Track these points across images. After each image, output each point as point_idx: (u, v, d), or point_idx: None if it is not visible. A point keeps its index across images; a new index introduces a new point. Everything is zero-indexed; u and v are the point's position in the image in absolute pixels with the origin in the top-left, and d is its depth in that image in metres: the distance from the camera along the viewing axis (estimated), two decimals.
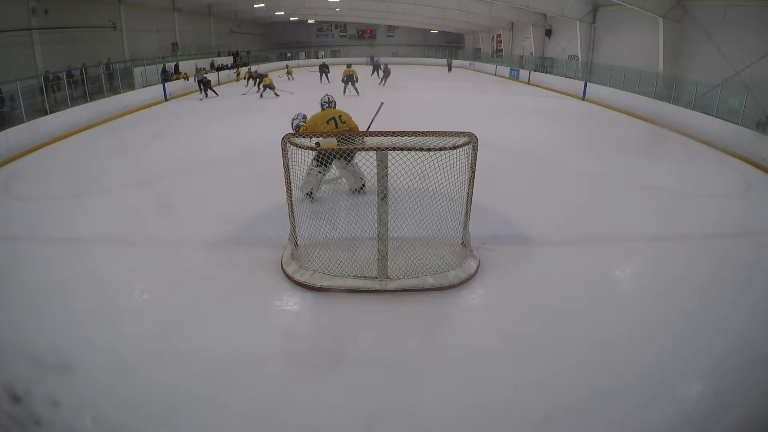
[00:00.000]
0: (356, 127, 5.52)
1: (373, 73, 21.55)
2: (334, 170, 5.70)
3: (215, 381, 2.86)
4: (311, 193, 5.37)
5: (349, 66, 16.23)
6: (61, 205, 5.87)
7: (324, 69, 20.22)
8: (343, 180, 5.78)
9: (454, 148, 3.63)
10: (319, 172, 5.13)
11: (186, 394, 2.75)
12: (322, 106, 5.81)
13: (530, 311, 3.59)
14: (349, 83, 15.40)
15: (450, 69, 28.68)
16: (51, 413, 2.37)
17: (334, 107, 5.77)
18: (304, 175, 4.65)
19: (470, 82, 22.17)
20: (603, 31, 16.86)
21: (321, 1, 25.82)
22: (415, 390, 2.82)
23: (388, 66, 19.49)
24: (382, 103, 5.99)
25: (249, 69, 20.32)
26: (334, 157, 4.86)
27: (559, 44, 20.05)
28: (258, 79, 16.26)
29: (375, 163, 3.53)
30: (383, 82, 18.84)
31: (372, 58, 26.65)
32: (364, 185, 5.49)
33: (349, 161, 5.27)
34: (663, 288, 3.97)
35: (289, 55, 33.08)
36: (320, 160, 4.86)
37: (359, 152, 4.29)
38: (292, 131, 5.55)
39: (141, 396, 2.73)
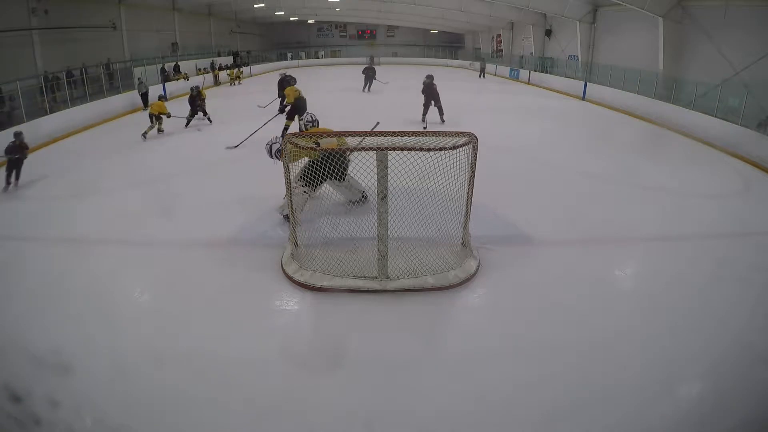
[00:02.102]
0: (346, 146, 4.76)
1: (365, 86, 16.11)
2: (325, 188, 4.90)
3: (215, 381, 2.86)
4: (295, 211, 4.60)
5: (289, 82, 10.05)
6: (61, 205, 5.87)
7: (286, 84, 10.86)
8: (337, 195, 5.08)
9: (454, 148, 3.64)
10: (305, 192, 4.54)
11: (186, 394, 2.75)
12: (305, 126, 5.23)
13: (530, 311, 3.60)
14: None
15: (483, 74, 23.54)
16: (51, 413, 2.37)
17: (318, 126, 5.23)
18: (285, 195, 4.15)
19: (470, 82, 22.16)
20: (603, 31, 16.86)
21: (321, 1, 25.80)
22: (414, 390, 2.82)
23: (432, 80, 10.22)
24: (377, 123, 5.30)
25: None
26: (325, 179, 4.36)
27: (559, 44, 20.05)
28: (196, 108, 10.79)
29: (375, 164, 3.53)
30: (438, 115, 10.39)
31: (369, 67, 16.75)
32: (365, 196, 5.05)
33: (342, 179, 4.70)
34: (663, 288, 3.98)
35: (289, 55, 33.05)
36: (308, 179, 4.33)
37: (352, 165, 4.12)
38: (271, 158, 4.88)
39: (141, 396, 2.73)
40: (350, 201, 5.16)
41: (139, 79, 14.07)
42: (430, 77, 10.23)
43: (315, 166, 4.23)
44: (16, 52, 12.31)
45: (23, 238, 4.87)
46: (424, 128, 9.74)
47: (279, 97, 11.87)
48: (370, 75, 16.30)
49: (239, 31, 29.41)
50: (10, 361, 3.02)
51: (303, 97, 8.99)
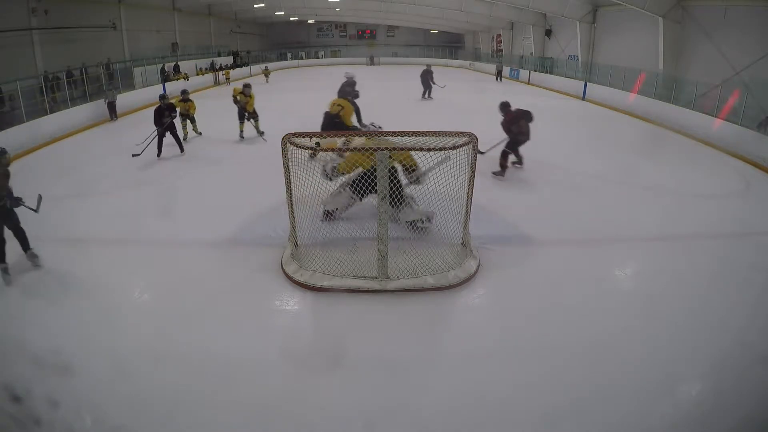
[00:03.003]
0: (409, 157, 4.34)
1: (424, 93, 14.48)
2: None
3: (215, 381, 2.86)
4: (335, 210, 4.77)
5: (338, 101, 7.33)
6: (61, 205, 5.86)
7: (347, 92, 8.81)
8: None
9: (454, 148, 3.64)
10: (352, 197, 4.59)
11: (186, 394, 2.75)
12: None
13: (530, 311, 3.59)
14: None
15: (500, 77, 21.81)
16: (51, 413, 2.37)
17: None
18: (332, 190, 4.20)
19: (470, 82, 22.14)
20: (603, 31, 16.86)
21: (321, 1, 25.82)
22: (414, 390, 2.82)
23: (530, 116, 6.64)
24: (448, 156, 4.43)
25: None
26: (370, 193, 4.22)
27: (559, 44, 20.05)
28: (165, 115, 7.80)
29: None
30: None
31: (427, 71, 14.52)
32: (427, 218, 4.58)
33: (395, 205, 4.27)
34: (663, 288, 3.98)
35: (289, 55, 33.04)
36: (358, 189, 4.32)
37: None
38: (329, 179, 4.57)
39: (141, 396, 2.73)
40: (408, 221, 4.66)
41: (110, 85, 12.36)
42: (517, 111, 6.63)
43: (366, 178, 4.15)
44: (16, 52, 12.30)
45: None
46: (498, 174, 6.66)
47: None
48: (427, 79, 14.22)
49: (239, 31, 29.41)
50: (10, 361, 3.02)
51: (327, 111, 7.02)
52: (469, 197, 4.05)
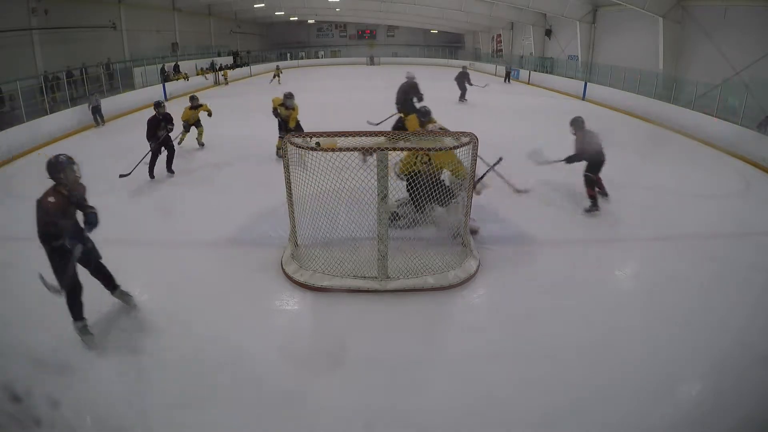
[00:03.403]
0: (458, 165, 4.12)
1: (462, 97, 14.14)
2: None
3: (215, 381, 2.86)
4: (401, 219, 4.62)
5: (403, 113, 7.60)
6: None
7: (412, 93, 8.80)
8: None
9: (454, 148, 3.64)
10: (411, 209, 4.40)
11: (186, 394, 2.75)
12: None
13: (530, 311, 3.60)
14: None
15: (509, 79, 21.05)
16: (51, 413, 2.37)
17: None
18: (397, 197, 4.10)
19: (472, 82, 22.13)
20: (603, 31, 16.87)
21: (321, 1, 25.84)
22: (414, 390, 2.82)
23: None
24: (500, 158, 4.60)
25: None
26: (429, 201, 4.14)
27: (559, 44, 20.06)
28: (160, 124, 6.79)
29: (375, 163, 3.53)
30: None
31: (463, 73, 14.06)
32: (472, 231, 4.51)
33: (447, 204, 4.38)
34: (663, 288, 3.97)
35: (289, 54, 33.03)
36: (417, 204, 4.19)
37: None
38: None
39: (141, 396, 2.73)
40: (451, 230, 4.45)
41: (92, 89, 11.87)
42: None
43: (412, 181, 4.00)
44: (16, 52, 12.31)
45: (23, 238, 4.84)
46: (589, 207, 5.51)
47: (398, 107, 8.43)
48: (463, 82, 13.83)
49: (239, 31, 29.43)
50: (11, 360, 3.02)
51: (401, 116, 7.04)
52: (469, 197, 4.05)
